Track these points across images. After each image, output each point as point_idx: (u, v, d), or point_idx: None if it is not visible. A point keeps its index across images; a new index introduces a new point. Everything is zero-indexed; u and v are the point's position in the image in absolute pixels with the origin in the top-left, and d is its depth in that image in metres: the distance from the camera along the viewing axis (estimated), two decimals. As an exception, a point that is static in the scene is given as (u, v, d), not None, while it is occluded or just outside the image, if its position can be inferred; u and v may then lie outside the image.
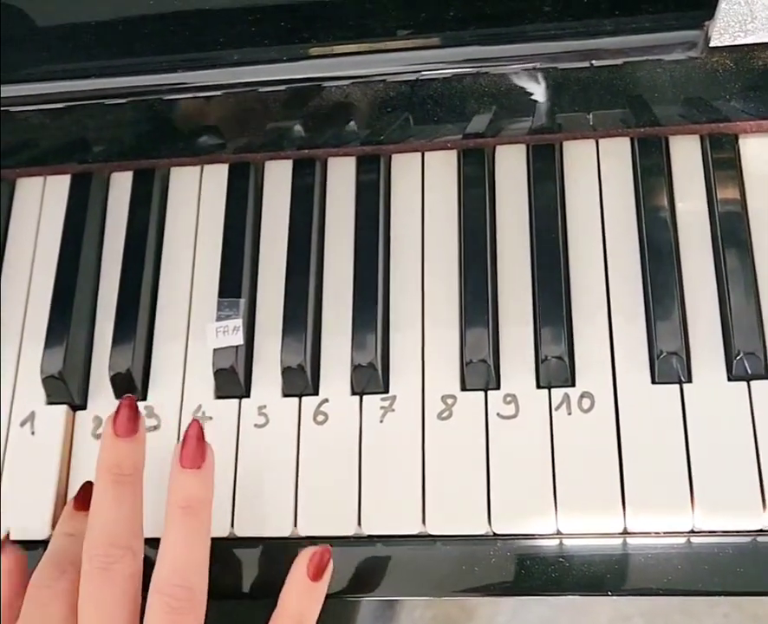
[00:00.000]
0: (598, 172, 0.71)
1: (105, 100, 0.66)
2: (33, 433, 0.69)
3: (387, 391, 0.67)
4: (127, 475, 0.62)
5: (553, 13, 0.57)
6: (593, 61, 0.60)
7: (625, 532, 0.63)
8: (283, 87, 0.65)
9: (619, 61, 0.62)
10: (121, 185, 0.77)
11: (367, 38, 0.60)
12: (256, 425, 0.68)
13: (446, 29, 0.58)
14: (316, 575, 0.61)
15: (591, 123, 0.70)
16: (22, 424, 0.70)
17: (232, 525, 0.65)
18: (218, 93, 0.66)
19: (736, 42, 0.60)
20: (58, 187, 0.77)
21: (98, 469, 0.62)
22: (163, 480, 0.66)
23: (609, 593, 0.63)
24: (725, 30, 0.58)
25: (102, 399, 0.71)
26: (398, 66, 0.61)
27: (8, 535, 0.67)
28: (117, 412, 0.62)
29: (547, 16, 0.57)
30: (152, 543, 0.61)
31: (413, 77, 0.64)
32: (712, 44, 0.59)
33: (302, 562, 0.61)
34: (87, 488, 0.67)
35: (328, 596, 0.63)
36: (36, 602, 0.60)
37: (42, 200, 0.77)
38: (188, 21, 0.61)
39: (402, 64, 0.61)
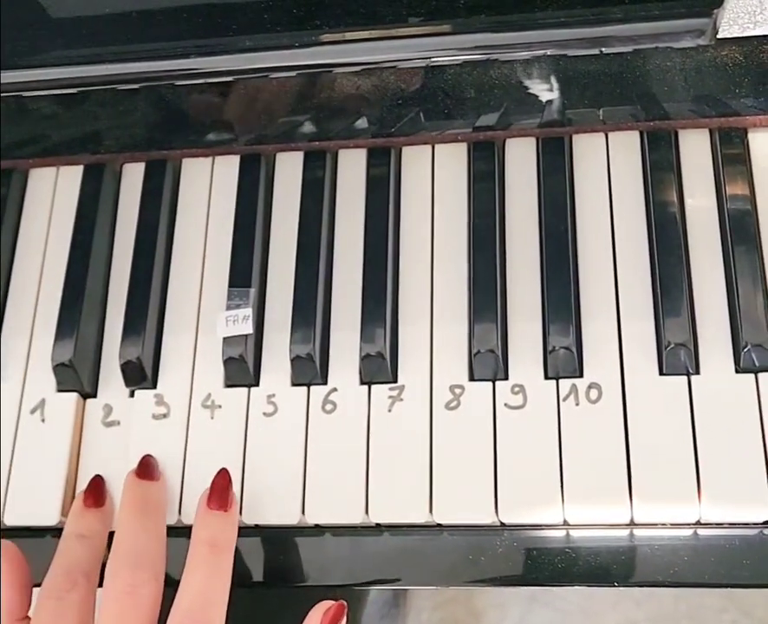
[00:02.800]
0: (608, 165, 0.71)
1: (118, 86, 0.66)
2: (43, 420, 0.70)
3: (395, 381, 0.67)
4: (152, 507, 0.64)
5: (563, 1, 0.58)
6: (602, 49, 0.61)
7: (632, 523, 0.63)
8: (294, 74, 0.66)
9: (628, 49, 0.62)
10: (133, 176, 0.77)
11: (378, 25, 0.60)
12: (264, 414, 0.68)
13: (457, 15, 0.59)
14: None
15: (601, 116, 0.71)
16: (33, 411, 0.70)
17: (241, 513, 0.66)
18: (231, 78, 0.66)
19: (745, 34, 0.60)
20: (70, 178, 0.77)
21: (122, 505, 0.64)
22: (173, 468, 0.67)
23: (616, 584, 0.63)
24: (735, 21, 0.58)
25: (113, 388, 0.71)
26: (409, 52, 0.62)
27: None
28: (140, 462, 0.66)
29: (557, 4, 0.58)
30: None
31: (423, 64, 0.64)
32: (721, 35, 0.59)
33: (317, 615, 0.61)
34: (96, 482, 0.67)
35: (335, 587, 0.63)
36: (47, 613, 0.60)
37: (55, 191, 0.78)
38: (201, 7, 0.61)
39: (413, 51, 0.61)
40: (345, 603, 0.61)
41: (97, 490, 0.67)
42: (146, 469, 0.66)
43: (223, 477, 0.64)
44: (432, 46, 0.61)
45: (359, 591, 0.98)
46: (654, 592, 1.30)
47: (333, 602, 0.61)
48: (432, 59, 0.62)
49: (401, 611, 1.19)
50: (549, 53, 0.61)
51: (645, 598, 1.34)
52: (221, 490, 0.63)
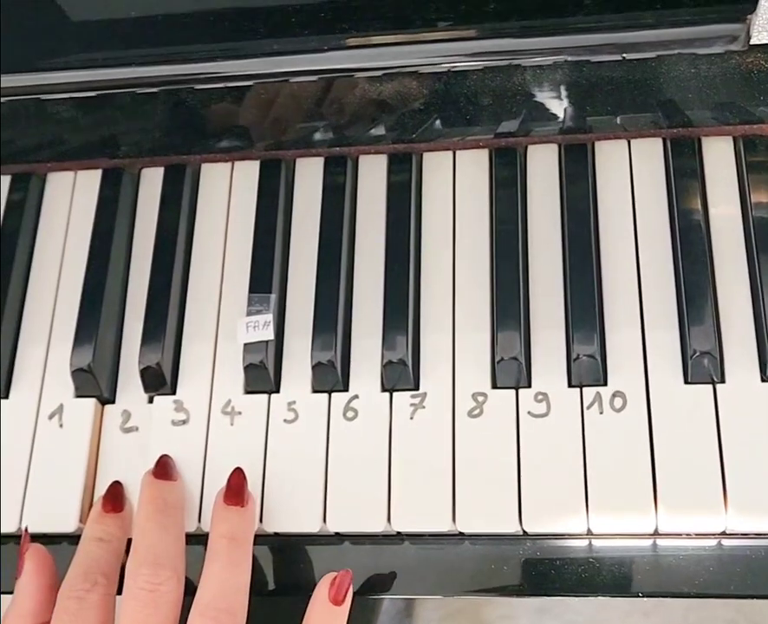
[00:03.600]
0: (630, 172, 0.71)
1: (140, 89, 0.66)
2: (61, 426, 0.69)
3: (417, 388, 0.67)
4: (171, 507, 0.64)
5: (593, 6, 0.57)
6: (632, 54, 0.60)
7: (656, 533, 0.62)
8: (317, 78, 0.65)
9: (657, 54, 0.62)
10: (152, 180, 0.77)
11: (405, 29, 0.60)
12: (285, 421, 0.67)
13: (485, 20, 0.59)
14: (337, 599, 0.61)
15: (623, 123, 0.70)
16: (51, 417, 0.70)
17: (261, 520, 0.65)
18: (255, 82, 0.66)
19: (774, 41, 0.60)
20: (89, 182, 0.77)
21: (140, 505, 0.64)
22: (192, 475, 0.67)
23: (640, 594, 0.62)
24: (764, 28, 0.58)
25: (131, 394, 0.70)
26: (435, 57, 0.61)
27: (27, 533, 0.66)
28: (157, 462, 0.66)
29: (587, 9, 0.57)
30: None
31: (449, 68, 0.64)
32: (751, 42, 0.59)
33: (324, 586, 0.61)
34: (115, 488, 0.67)
35: (354, 594, 0.63)
36: (68, 614, 0.60)
37: (73, 195, 0.77)
38: (228, 11, 0.61)
39: (439, 55, 0.61)
40: (350, 571, 0.62)
41: (116, 496, 0.66)
42: (164, 469, 0.66)
43: (238, 476, 0.64)
44: (457, 51, 0.60)
45: (372, 600, 0.97)
46: (663, 603, 1.29)
47: (338, 571, 0.61)
48: (458, 63, 0.62)
49: (412, 621, 1.18)
50: (578, 58, 0.60)
51: (653, 609, 1.32)
52: (237, 487, 0.64)
